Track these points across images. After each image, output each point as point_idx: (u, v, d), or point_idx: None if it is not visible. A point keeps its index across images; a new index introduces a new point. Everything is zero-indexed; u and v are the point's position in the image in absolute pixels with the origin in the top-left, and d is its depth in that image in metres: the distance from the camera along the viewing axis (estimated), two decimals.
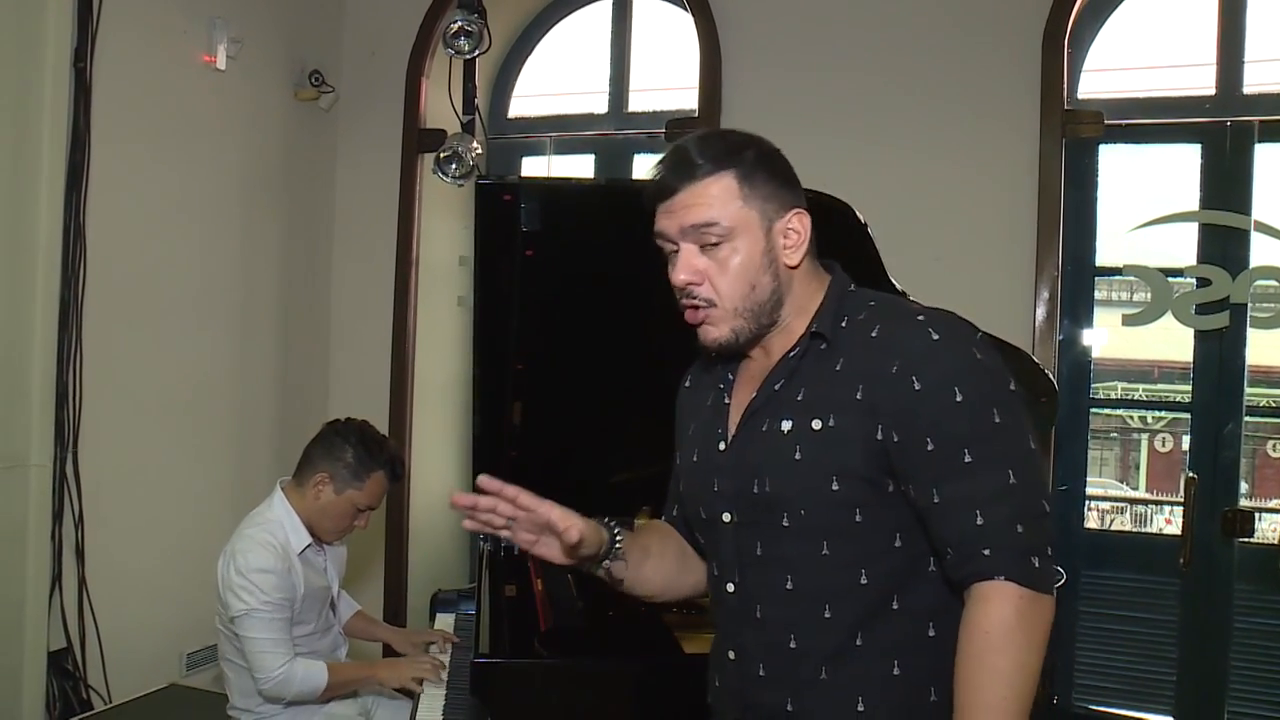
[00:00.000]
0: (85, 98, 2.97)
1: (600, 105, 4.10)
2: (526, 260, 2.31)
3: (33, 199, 2.83)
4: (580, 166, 4.19)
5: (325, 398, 4.04)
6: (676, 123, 3.73)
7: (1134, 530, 4.02)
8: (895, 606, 1.33)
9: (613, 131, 4.06)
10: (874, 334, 1.33)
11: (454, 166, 3.52)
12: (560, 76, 4.21)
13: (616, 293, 2.46)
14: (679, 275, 1.36)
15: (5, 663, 2.79)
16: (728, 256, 1.35)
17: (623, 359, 2.50)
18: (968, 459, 1.26)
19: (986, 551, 1.25)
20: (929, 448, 1.27)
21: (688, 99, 3.76)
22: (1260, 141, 3.20)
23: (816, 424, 1.32)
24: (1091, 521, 3.78)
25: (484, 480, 1.34)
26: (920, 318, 1.33)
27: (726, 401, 1.46)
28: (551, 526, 1.35)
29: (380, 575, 3.98)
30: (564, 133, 4.14)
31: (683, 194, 1.35)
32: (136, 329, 3.21)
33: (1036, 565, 1.25)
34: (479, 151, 3.55)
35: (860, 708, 1.32)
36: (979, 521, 1.25)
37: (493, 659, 1.97)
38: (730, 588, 1.42)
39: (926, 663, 1.33)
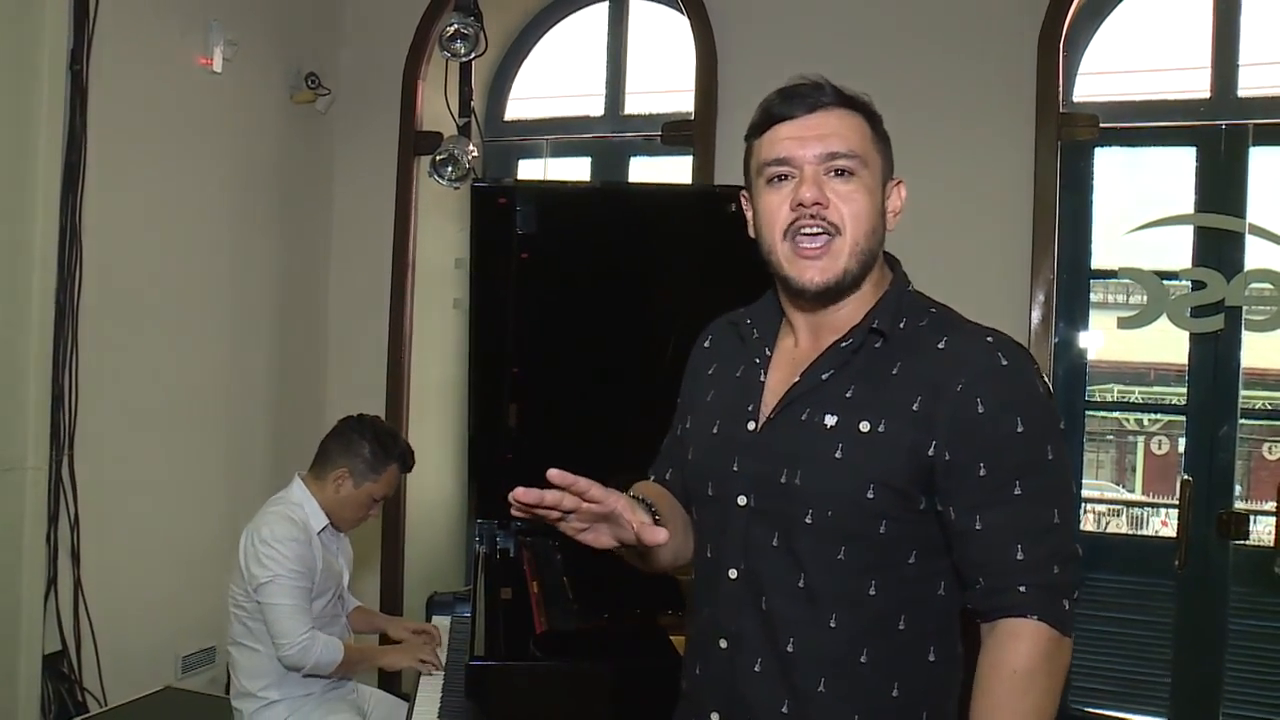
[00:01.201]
0: (81, 100, 2.97)
1: (597, 108, 4.11)
2: (522, 263, 2.31)
3: (29, 201, 2.82)
4: (577, 169, 4.20)
5: (321, 400, 4.04)
6: (673, 125, 3.74)
7: (1130, 532, 4.03)
8: (901, 627, 1.30)
9: (609, 134, 4.06)
10: (940, 345, 1.30)
11: (450, 169, 3.52)
12: (556, 79, 4.21)
13: (612, 295, 2.47)
14: (807, 193, 1.29)
15: (0, 666, 2.79)
16: (855, 190, 1.31)
17: (618, 361, 2.51)
18: (1017, 490, 1.25)
19: (1023, 588, 1.23)
20: (981, 472, 1.25)
21: (684, 101, 3.76)
22: (1255, 145, 3.21)
23: (864, 426, 1.28)
24: (1087, 524, 3.79)
25: (554, 474, 1.24)
26: (989, 339, 1.31)
27: (762, 379, 1.39)
28: (618, 518, 1.28)
29: (377, 577, 3.97)
30: (560, 135, 4.15)
31: (819, 116, 1.33)
32: (132, 332, 3.21)
33: (1066, 608, 1.25)
34: (475, 154, 3.55)
35: None
36: (1019, 556, 1.24)
37: (488, 661, 1.97)
38: (733, 574, 1.36)
39: (924, 686, 1.32)
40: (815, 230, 1.31)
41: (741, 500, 1.35)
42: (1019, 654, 1.22)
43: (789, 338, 1.42)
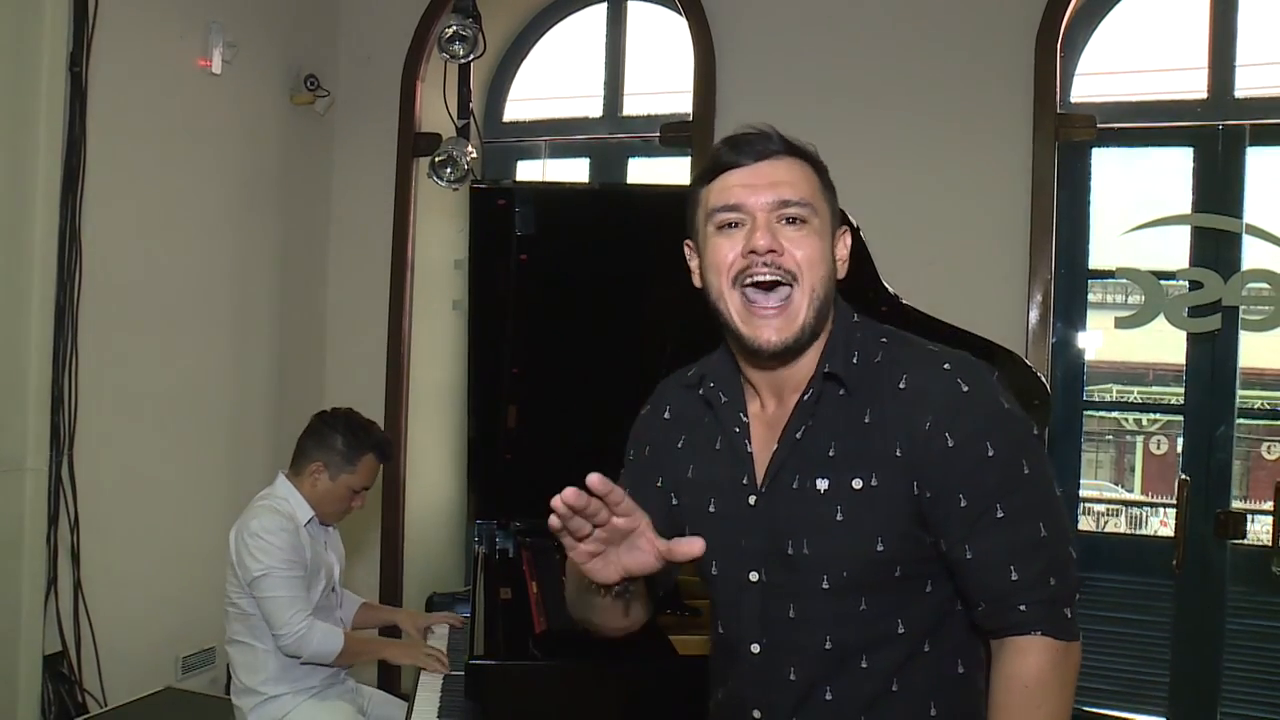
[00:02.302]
0: (81, 102, 2.98)
1: (595, 109, 4.11)
2: (521, 264, 2.31)
3: (29, 203, 2.83)
4: (575, 170, 4.20)
5: (320, 401, 4.03)
6: (671, 126, 3.74)
7: (1128, 532, 4.03)
8: (926, 649, 1.32)
9: (607, 135, 4.07)
10: (901, 385, 1.28)
11: (449, 170, 3.53)
12: (555, 80, 4.22)
13: (611, 296, 2.47)
14: (761, 240, 1.27)
15: (0, 666, 2.79)
16: (807, 236, 1.29)
17: (617, 362, 2.51)
18: (999, 514, 1.25)
19: (1022, 607, 1.25)
20: (961, 504, 1.26)
21: (682, 103, 3.77)
22: (1251, 145, 3.22)
23: (857, 483, 1.28)
24: (1087, 524, 3.79)
25: (595, 480, 1.14)
26: (946, 366, 1.29)
27: (749, 450, 1.35)
28: (635, 540, 1.20)
29: (376, 578, 3.98)
30: (559, 137, 4.15)
31: (768, 164, 1.30)
32: (132, 333, 3.21)
33: (1068, 615, 1.26)
34: (474, 155, 3.56)
35: None
36: (1013, 577, 1.25)
37: (488, 661, 1.98)
38: (755, 649, 1.35)
39: (957, 700, 1.34)
40: (769, 278, 1.28)
41: (753, 577, 1.34)
42: (1028, 669, 1.24)
43: (754, 400, 1.38)
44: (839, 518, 1.28)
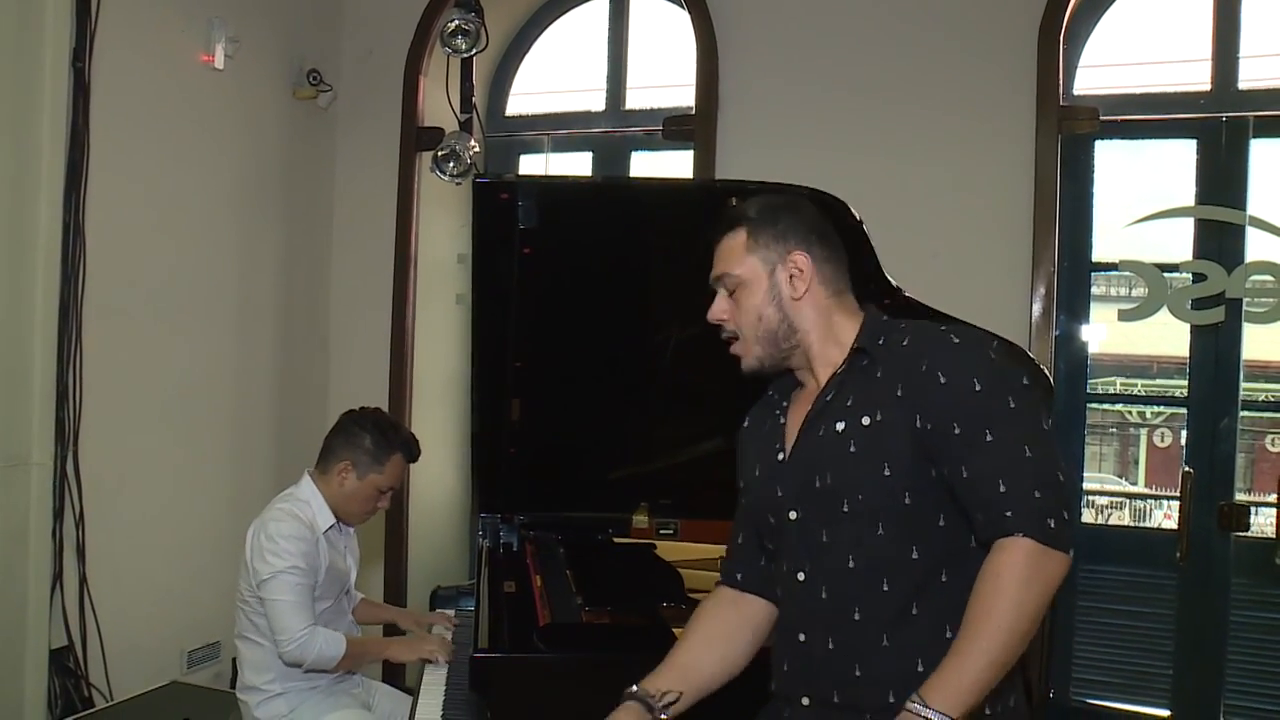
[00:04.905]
0: (84, 97, 2.98)
1: (598, 103, 4.11)
2: (524, 258, 2.32)
3: (32, 198, 2.84)
4: (578, 164, 4.21)
5: (324, 395, 4.05)
6: (674, 120, 3.74)
7: (1132, 525, 4.03)
8: (944, 579, 1.48)
9: (610, 129, 4.07)
10: (905, 343, 1.54)
11: (452, 165, 3.53)
12: (558, 74, 4.22)
13: (614, 289, 2.48)
14: (710, 315, 1.65)
15: (7, 660, 2.80)
16: (740, 298, 1.62)
17: (620, 355, 2.52)
18: (989, 438, 1.43)
19: (1009, 514, 1.39)
20: (955, 431, 1.45)
21: (685, 96, 3.77)
22: (1255, 137, 3.21)
23: (866, 420, 1.51)
24: (1089, 516, 3.79)
25: None
26: (943, 328, 1.56)
27: (782, 422, 1.66)
28: None
29: (380, 571, 3.99)
30: (562, 130, 4.15)
31: (717, 248, 1.65)
32: (136, 327, 3.22)
33: (1052, 525, 1.39)
34: (477, 149, 3.56)
35: (920, 668, 1.44)
36: (1002, 489, 1.41)
37: (492, 654, 1.98)
38: (801, 576, 1.57)
39: None
40: (725, 336, 1.66)
41: (792, 515, 1.59)
42: (1001, 561, 1.39)
43: (810, 380, 1.65)
44: (852, 449, 1.51)
